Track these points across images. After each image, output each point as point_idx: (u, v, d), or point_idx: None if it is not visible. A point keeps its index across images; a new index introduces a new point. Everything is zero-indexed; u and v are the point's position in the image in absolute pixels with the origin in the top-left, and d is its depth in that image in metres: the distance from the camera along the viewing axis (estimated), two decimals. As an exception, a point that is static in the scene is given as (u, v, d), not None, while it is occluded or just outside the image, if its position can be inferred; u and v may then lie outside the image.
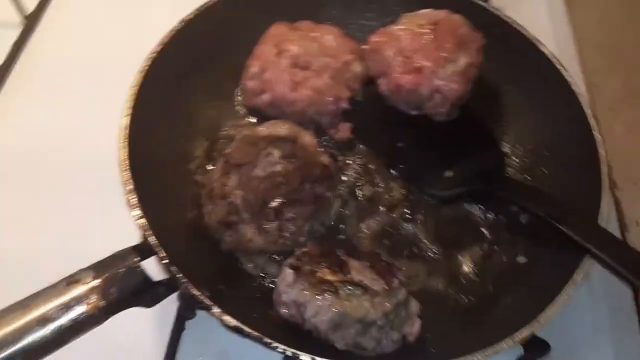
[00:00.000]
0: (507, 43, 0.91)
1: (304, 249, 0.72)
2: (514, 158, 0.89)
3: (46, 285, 0.61)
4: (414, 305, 0.68)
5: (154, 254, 0.65)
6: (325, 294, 0.63)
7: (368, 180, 0.86)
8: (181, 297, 0.76)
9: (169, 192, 0.79)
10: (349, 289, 0.64)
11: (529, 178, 0.87)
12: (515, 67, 0.92)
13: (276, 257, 0.76)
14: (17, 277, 0.77)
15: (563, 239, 0.71)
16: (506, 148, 0.90)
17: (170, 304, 0.78)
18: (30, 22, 1.14)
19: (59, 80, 1.06)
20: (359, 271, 0.67)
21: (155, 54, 0.82)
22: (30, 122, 1.01)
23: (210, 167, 0.85)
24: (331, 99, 0.86)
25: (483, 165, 0.87)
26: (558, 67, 0.86)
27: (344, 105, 0.87)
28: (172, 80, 0.85)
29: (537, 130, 0.90)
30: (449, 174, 0.86)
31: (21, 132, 1.00)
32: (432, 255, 0.79)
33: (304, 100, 0.86)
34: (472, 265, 0.79)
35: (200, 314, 0.79)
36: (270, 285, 0.75)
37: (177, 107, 0.86)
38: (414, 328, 0.67)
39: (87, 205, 0.89)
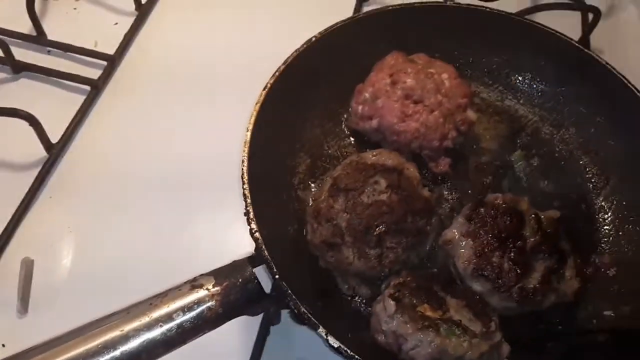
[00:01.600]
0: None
1: (400, 279, 0.73)
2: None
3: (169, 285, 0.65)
4: (506, 349, 0.69)
5: (264, 266, 0.68)
6: (427, 330, 0.64)
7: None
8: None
9: (276, 207, 0.82)
10: (450, 328, 0.65)
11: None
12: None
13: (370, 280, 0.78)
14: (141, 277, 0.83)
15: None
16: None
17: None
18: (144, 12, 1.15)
19: (176, 83, 1.08)
20: (457, 310, 0.68)
21: (279, 73, 0.84)
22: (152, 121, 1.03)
23: (312, 184, 0.88)
24: (437, 135, 0.87)
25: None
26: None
27: (449, 144, 0.88)
28: (290, 99, 0.87)
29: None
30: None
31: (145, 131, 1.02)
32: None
33: (411, 133, 0.87)
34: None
35: (285, 320, 0.81)
36: (360, 306, 0.78)
37: (289, 124, 0.89)
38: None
39: (203, 212, 0.93)
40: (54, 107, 1.02)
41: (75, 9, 1.17)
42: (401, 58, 0.93)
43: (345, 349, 0.63)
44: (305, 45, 0.88)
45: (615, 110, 0.90)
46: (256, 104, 0.81)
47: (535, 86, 0.98)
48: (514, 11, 1.05)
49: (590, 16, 1.08)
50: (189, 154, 0.98)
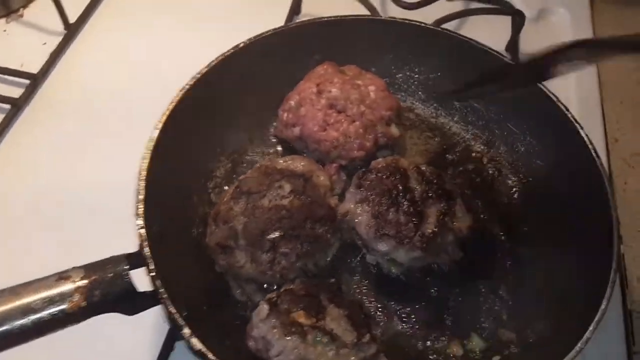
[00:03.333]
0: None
1: (291, 286, 0.70)
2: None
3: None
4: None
5: (144, 265, 0.65)
6: (293, 336, 0.60)
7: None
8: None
9: (182, 208, 0.80)
10: (318, 336, 0.61)
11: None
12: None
13: (266, 287, 0.74)
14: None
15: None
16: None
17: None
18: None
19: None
20: (333, 319, 0.64)
21: (200, 75, 0.82)
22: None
23: (227, 188, 0.85)
24: (356, 146, 0.84)
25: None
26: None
27: (363, 155, 0.84)
28: (212, 103, 0.85)
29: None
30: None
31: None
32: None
33: (330, 142, 0.84)
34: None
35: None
36: (246, 308, 0.73)
37: (210, 126, 0.87)
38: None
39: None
40: None
41: (5, 30, 1.15)
42: (331, 69, 0.91)
43: (207, 353, 0.59)
44: (232, 51, 0.86)
45: (543, 129, 0.86)
46: (171, 103, 0.79)
47: (468, 103, 0.94)
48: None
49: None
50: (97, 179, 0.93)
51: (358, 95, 0.87)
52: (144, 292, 0.64)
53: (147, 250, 0.65)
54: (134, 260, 0.65)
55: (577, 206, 0.78)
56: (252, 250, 0.71)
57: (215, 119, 0.88)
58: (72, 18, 1.14)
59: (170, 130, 0.77)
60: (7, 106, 1.00)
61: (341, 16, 0.94)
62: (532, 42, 1.08)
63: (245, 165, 0.89)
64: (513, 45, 1.07)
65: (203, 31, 1.13)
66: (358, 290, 0.76)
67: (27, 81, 1.04)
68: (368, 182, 0.74)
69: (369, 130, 0.85)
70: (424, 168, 0.78)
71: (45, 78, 1.06)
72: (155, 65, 1.08)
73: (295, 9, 1.15)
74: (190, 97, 0.81)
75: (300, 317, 0.62)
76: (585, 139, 0.79)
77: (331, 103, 0.86)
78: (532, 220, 0.83)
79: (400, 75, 0.98)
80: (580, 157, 0.79)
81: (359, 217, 0.73)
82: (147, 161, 0.73)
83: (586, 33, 1.12)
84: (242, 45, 0.88)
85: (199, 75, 0.83)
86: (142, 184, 0.71)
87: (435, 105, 0.97)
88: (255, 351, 0.63)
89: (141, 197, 0.70)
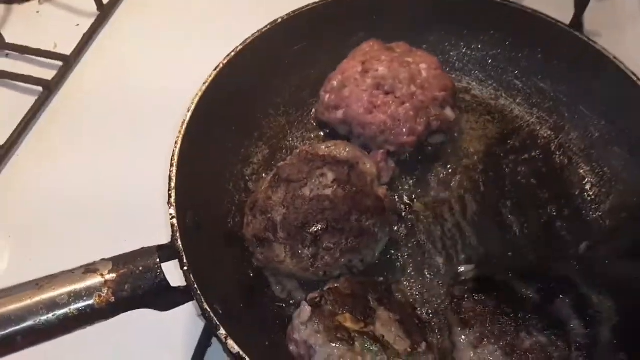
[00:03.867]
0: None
1: (335, 285, 0.63)
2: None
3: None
4: None
5: (177, 258, 0.60)
6: (339, 343, 0.54)
7: (431, 233, 0.74)
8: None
9: (217, 196, 0.74)
10: (366, 343, 0.54)
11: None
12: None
13: (308, 285, 0.68)
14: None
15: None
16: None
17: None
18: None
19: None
20: (384, 324, 0.57)
21: (234, 53, 0.76)
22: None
23: (265, 176, 0.79)
24: (405, 130, 0.76)
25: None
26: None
27: (414, 141, 0.76)
28: (245, 83, 0.79)
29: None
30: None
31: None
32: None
33: (377, 125, 0.76)
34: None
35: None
36: (288, 307, 0.67)
37: (244, 110, 0.81)
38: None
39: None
40: (4, 108, 0.96)
41: (38, 12, 1.12)
42: (378, 45, 0.83)
43: (244, 356, 0.53)
44: (268, 27, 0.80)
45: (620, 111, 0.75)
46: (203, 84, 0.73)
47: (533, 83, 0.85)
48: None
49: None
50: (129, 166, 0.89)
51: (408, 74, 0.79)
52: (177, 287, 0.59)
53: (179, 241, 0.60)
54: (166, 252, 0.60)
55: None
56: (292, 244, 0.65)
57: (250, 103, 0.82)
58: None
59: (202, 114, 0.72)
60: (40, 88, 0.97)
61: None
62: (597, 19, 0.97)
63: (284, 151, 0.82)
64: (578, 24, 0.95)
65: (240, 10, 1.07)
66: (410, 292, 0.68)
67: (60, 63, 1.01)
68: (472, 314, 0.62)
69: (420, 113, 0.77)
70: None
71: (78, 60, 1.03)
72: (190, 49, 1.03)
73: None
74: (224, 77, 0.75)
75: (347, 320, 0.56)
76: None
77: (378, 83, 0.78)
78: (609, 215, 0.74)
79: (455, 52, 0.88)
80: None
81: None
82: (178, 145, 0.68)
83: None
84: (279, 20, 0.81)
85: (233, 53, 0.77)
86: (174, 169, 0.66)
87: (494, 85, 0.87)
88: (296, 356, 0.57)
89: (173, 184, 0.65)
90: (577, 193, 0.77)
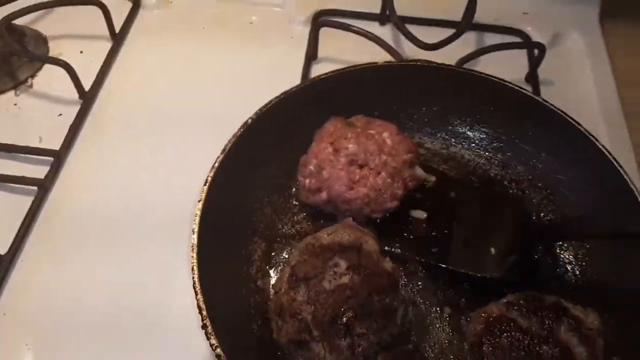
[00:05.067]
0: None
1: (379, 366, 0.68)
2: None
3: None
4: None
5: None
6: None
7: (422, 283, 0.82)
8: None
9: (235, 305, 0.76)
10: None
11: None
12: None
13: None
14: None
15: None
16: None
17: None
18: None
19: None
20: None
21: (218, 164, 0.79)
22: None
23: (270, 271, 0.82)
24: (388, 197, 0.83)
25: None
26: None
27: (396, 205, 0.84)
28: (234, 185, 0.82)
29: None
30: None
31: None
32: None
33: (361, 199, 0.82)
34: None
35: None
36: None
37: (238, 209, 0.83)
38: None
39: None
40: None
41: (15, 104, 1.07)
42: (340, 123, 0.89)
43: None
44: (241, 130, 0.82)
45: (559, 145, 0.88)
46: (199, 201, 0.75)
47: (476, 129, 0.96)
48: (459, 57, 1.05)
49: (536, 52, 1.08)
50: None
51: (375, 145, 0.86)
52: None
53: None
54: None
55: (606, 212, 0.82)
56: (329, 339, 0.68)
57: (238, 203, 0.84)
58: (87, 85, 1.07)
59: (205, 233, 0.73)
60: (34, 188, 0.94)
61: (338, 70, 0.92)
62: (551, 71, 1.10)
63: (280, 240, 0.85)
64: (533, 77, 1.08)
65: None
66: (438, 350, 0.75)
67: (50, 159, 0.97)
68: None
69: (396, 178, 0.84)
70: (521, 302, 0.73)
71: (68, 153, 1.00)
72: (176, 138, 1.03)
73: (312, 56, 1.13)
74: (213, 192, 0.77)
75: None
76: (602, 148, 0.82)
77: (351, 159, 0.84)
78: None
79: (403, 114, 0.97)
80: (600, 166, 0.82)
81: None
82: (196, 272, 0.69)
83: (601, 56, 1.15)
84: (249, 121, 0.84)
85: (216, 164, 0.79)
86: (201, 298, 0.67)
87: (444, 136, 0.97)
88: None
89: (205, 312, 0.66)
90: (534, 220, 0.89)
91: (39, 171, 0.96)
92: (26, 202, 0.92)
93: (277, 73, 1.09)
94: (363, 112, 0.91)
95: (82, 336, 0.80)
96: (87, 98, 1.07)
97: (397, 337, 0.74)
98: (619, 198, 0.80)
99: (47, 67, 1.11)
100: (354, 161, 0.85)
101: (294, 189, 0.90)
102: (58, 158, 0.98)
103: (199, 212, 0.74)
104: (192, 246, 0.71)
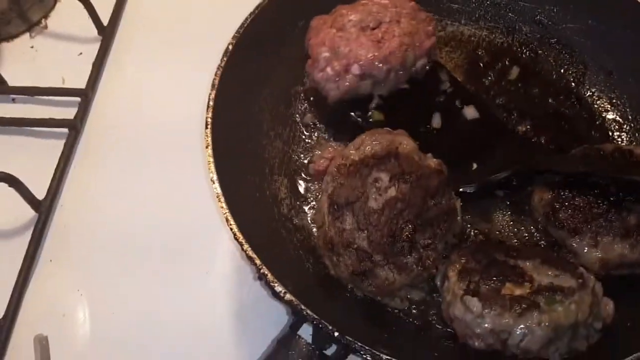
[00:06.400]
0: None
1: (456, 266, 0.61)
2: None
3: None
4: (599, 287, 0.59)
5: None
6: (529, 312, 0.53)
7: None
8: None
9: (282, 250, 0.67)
10: (549, 298, 0.54)
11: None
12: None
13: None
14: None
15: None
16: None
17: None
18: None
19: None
20: (538, 272, 0.58)
21: (212, 102, 0.68)
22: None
23: (303, 206, 0.73)
24: (423, 36, 0.74)
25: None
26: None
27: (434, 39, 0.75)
28: (236, 124, 0.72)
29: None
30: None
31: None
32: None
33: (398, 48, 0.72)
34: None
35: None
36: (414, 312, 0.66)
37: (249, 149, 0.74)
38: (608, 309, 0.59)
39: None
40: (32, 159, 0.85)
41: (32, 47, 0.98)
42: (326, 15, 0.77)
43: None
44: (224, 59, 0.71)
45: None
46: (206, 147, 0.64)
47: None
48: None
49: None
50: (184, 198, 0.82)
51: (376, 6, 0.75)
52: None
53: (309, 311, 0.55)
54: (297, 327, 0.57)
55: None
56: (394, 260, 0.61)
57: (246, 141, 0.74)
58: (105, 19, 0.99)
59: (226, 184, 0.63)
60: (65, 130, 0.87)
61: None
62: None
63: (300, 171, 0.76)
64: None
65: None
66: (509, 232, 0.70)
67: (77, 99, 0.90)
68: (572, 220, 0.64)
69: (419, 20, 0.75)
70: None
71: (95, 91, 0.93)
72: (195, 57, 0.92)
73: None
74: (216, 132, 0.66)
75: (513, 289, 0.55)
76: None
77: (360, 27, 0.73)
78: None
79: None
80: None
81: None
82: (233, 222, 0.60)
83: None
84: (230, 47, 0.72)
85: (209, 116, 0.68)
86: (249, 248, 0.58)
87: (436, 16, 0.85)
88: (485, 347, 0.55)
89: (258, 261, 0.58)
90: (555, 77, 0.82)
91: (65, 112, 0.88)
92: (57, 144, 0.85)
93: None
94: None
95: (129, 271, 0.76)
96: (107, 33, 0.97)
97: (461, 234, 0.68)
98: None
99: (60, 6, 1.03)
100: (365, 26, 0.74)
101: (297, 114, 0.80)
102: (86, 97, 0.90)
103: (211, 159, 0.63)
104: (217, 196, 0.61)
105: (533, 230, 0.70)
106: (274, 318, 0.69)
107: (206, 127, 0.66)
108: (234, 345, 0.70)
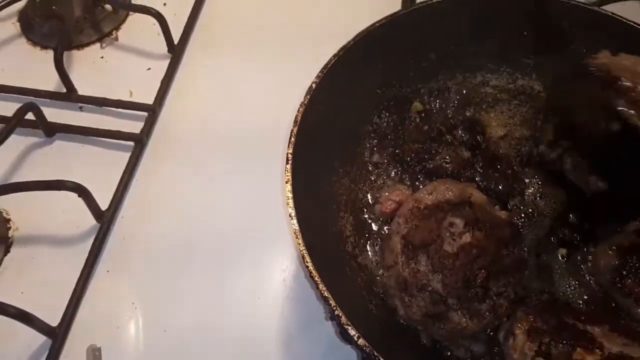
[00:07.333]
0: None
1: (523, 324, 0.60)
2: None
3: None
4: None
5: None
6: None
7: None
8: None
9: (349, 290, 0.67)
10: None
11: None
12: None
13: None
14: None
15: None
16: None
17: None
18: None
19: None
20: (609, 340, 0.56)
21: (294, 139, 0.68)
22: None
23: (366, 245, 0.73)
24: None
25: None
26: None
27: None
28: (309, 158, 0.71)
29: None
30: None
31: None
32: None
33: None
34: None
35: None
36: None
37: (321, 184, 0.74)
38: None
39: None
40: (97, 169, 0.87)
41: (102, 57, 1.01)
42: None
43: None
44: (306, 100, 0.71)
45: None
46: (286, 183, 0.64)
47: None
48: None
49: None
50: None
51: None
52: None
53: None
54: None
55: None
56: (467, 305, 0.61)
57: (317, 177, 0.74)
58: (175, 37, 1.01)
59: (301, 210, 0.63)
60: (131, 143, 0.89)
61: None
62: None
63: (364, 210, 0.76)
64: None
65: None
66: (572, 294, 0.69)
67: (143, 113, 0.92)
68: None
69: None
70: None
71: (162, 107, 0.95)
72: (267, 76, 0.98)
73: None
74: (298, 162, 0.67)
75: (584, 355, 0.54)
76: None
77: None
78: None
79: (460, 49, 0.86)
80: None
81: None
82: (309, 260, 0.59)
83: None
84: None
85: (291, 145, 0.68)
86: (324, 288, 0.58)
87: (508, 70, 0.88)
88: None
89: (333, 303, 0.57)
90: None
91: (131, 126, 0.91)
92: (123, 157, 0.88)
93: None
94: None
95: (185, 287, 0.77)
96: (177, 52, 1.01)
97: (527, 288, 0.67)
98: None
99: (131, 20, 1.06)
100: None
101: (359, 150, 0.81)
102: (153, 112, 0.92)
103: (290, 195, 0.64)
104: (295, 232, 0.61)
105: (597, 293, 0.68)
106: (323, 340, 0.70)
107: (287, 163, 0.66)
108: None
